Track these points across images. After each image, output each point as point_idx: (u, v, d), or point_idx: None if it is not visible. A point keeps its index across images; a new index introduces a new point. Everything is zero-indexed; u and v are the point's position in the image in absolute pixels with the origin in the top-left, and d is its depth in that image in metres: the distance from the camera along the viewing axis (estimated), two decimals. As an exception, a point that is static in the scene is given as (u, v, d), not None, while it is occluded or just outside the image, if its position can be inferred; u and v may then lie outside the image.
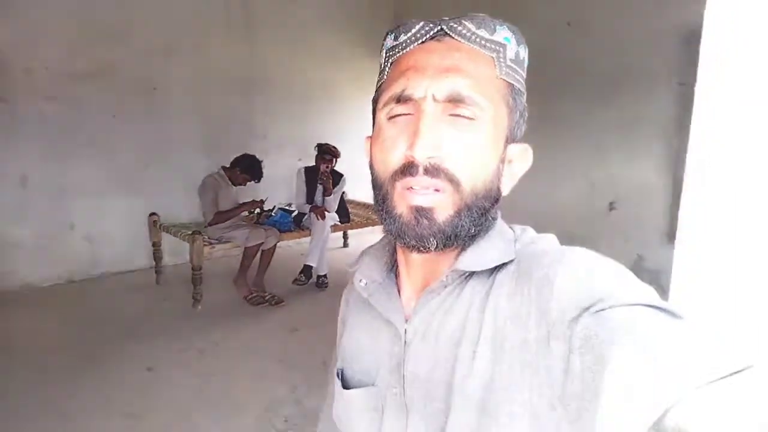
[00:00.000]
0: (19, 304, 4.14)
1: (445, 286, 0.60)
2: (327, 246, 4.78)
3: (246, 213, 4.48)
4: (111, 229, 4.79)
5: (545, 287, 0.51)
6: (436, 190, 0.54)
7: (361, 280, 0.67)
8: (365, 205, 5.82)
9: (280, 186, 5.64)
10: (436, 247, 0.56)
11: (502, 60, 0.57)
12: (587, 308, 0.47)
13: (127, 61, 4.66)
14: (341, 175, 4.96)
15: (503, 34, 0.57)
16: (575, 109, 4.37)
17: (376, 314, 0.67)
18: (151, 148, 4.90)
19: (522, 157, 0.62)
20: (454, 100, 0.54)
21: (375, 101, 0.62)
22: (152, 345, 3.42)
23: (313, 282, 4.74)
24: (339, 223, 5.07)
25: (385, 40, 0.62)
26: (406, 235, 0.56)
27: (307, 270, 4.68)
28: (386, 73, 0.60)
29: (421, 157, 0.53)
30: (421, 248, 0.57)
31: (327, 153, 4.74)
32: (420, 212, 0.55)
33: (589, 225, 4.30)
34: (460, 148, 0.54)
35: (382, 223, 0.60)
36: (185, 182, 4.98)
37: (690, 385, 0.36)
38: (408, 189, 0.55)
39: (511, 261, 0.58)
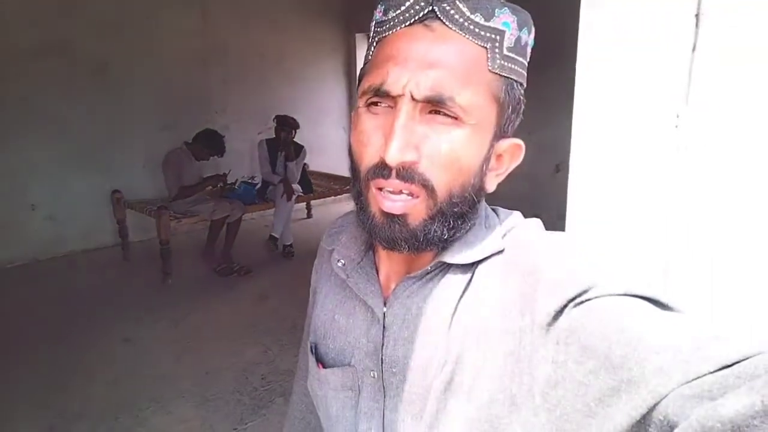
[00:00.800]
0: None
1: (427, 274, 0.59)
2: (291, 217, 4.94)
3: (210, 187, 4.57)
4: (74, 208, 4.80)
5: (530, 276, 0.51)
6: (409, 195, 0.52)
7: (339, 261, 0.66)
8: (327, 176, 5.98)
9: (241, 159, 5.71)
10: (408, 250, 0.55)
11: (497, 50, 0.52)
12: (573, 299, 0.46)
13: (79, 37, 4.59)
14: (302, 147, 5.09)
15: (502, 18, 0.51)
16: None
17: (351, 293, 0.66)
18: (110, 126, 4.88)
19: (512, 153, 0.58)
20: (433, 101, 0.50)
21: (359, 79, 0.58)
22: (126, 318, 3.55)
23: (279, 252, 4.91)
24: (302, 194, 5.22)
25: (375, 10, 0.57)
26: (377, 236, 0.55)
27: (273, 240, 4.84)
28: (371, 52, 0.56)
29: (393, 160, 0.49)
30: (392, 250, 0.56)
31: (286, 125, 4.85)
32: (391, 217, 0.53)
33: (537, 186, 4.58)
34: (438, 151, 0.51)
35: (356, 215, 0.59)
36: (147, 159, 5.02)
37: (677, 379, 0.36)
38: (379, 190, 0.53)
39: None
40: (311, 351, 0.70)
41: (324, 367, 0.67)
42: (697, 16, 0.82)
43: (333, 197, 5.83)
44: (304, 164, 5.23)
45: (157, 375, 2.87)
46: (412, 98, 0.50)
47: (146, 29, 4.99)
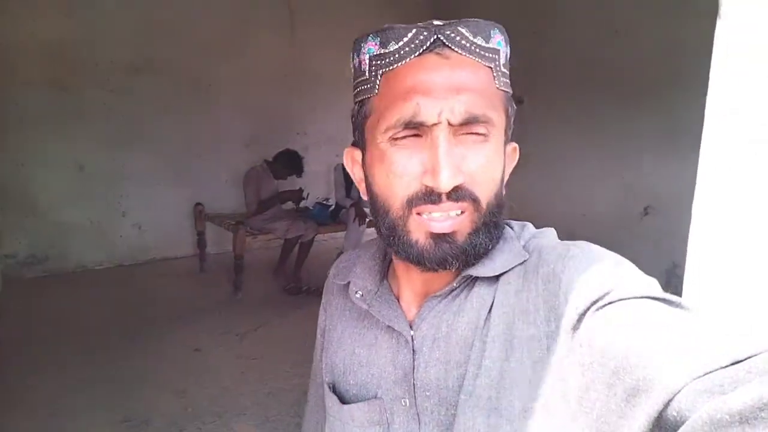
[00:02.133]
0: (74, 284, 4.43)
1: (453, 290, 0.59)
2: (362, 240, 4.94)
3: (290, 204, 4.66)
4: (159, 218, 5.07)
5: (552, 282, 0.53)
6: (458, 211, 0.54)
7: (357, 292, 0.65)
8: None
9: (318, 181, 5.82)
10: (457, 267, 0.56)
11: (498, 69, 0.55)
12: (595, 302, 0.48)
13: (180, 58, 4.91)
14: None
15: (496, 38, 0.55)
16: (615, 112, 4.38)
17: (371, 324, 0.66)
18: (199, 141, 5.15)
19: (511, 157, 0.62)
20: (468, 122, 0.52)
21: (363, 116, 0.59)
22: (198, 328, 3.63)
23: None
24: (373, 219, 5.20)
25: (363, 43, 0.57)
26: (425, 260, 0.55)
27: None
28: (377, 86, 0.56)
29: (447, 187, 0.52)
30: (440, 270, 0.56)
31: None
32: (440, 237, 0.54)
33: (622, 229, 4.32)
34: (477, 166, 0.54)
35: (392, 248, 0.58)
36: (229, 174, 5.23)
37: (689, 374, 0.37)
38: (424, 214, 0.54)
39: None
40: (331, 390, 0.68)
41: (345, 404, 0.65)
42: None
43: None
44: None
45: (222, 389, 2.89)
46: (449, 124, 0.52)
47: (240, 52, 5.25)
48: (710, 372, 0.36)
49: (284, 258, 4.60)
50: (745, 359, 0.36)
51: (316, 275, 4.76)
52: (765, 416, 0.30)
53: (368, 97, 0.57)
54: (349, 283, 0.67)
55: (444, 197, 0.53)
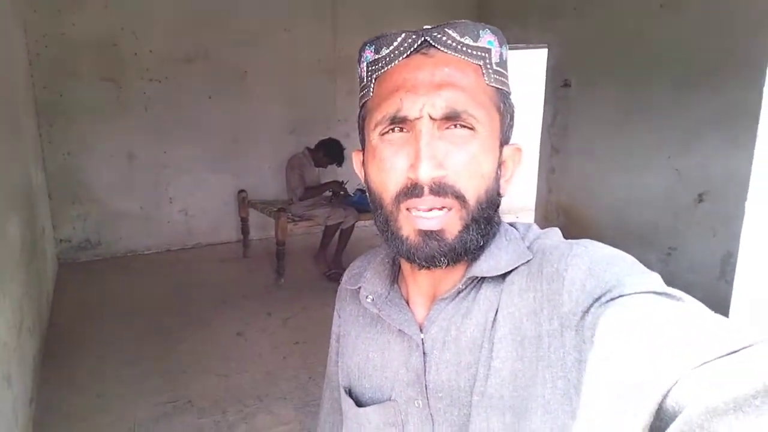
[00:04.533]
0: (124, 268, 4.60)
1: (459, 292, 0.60)
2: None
3: (329, 192, 4.68)
4: (204, 204, 5.17)
5: (556, 281, 0.53)
6: (442, 208, 0.55)
7: (367, 297, 0.66)
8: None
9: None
10: (447, 264, 0.57)
11: (489, 66, 0.56)
12: (598, 298, 0.48)
13: (221, 47, 4.96)
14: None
15: (487, 38, 0.56)
16: (665, 94, 4.16)
17: (383, 328, 0.67)
18: (241, 129, 5.21)
19: (515, 158, 0.62)
20: (450, 117, 0.54)
21: (362, 118, 0.62)
22: (241, 312, 3.71)
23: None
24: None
25: (363, 51, 0.60)
26: (415, 257, 0.56)
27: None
28: (371, 89, 0.59)
29: (426, 178, 0.53)
30: (431, 267, 0.57)
31: None
32: (428, 235, 0.55)
33: (675, 217, 4.13)
34: (462, 162, 0.54)
35: (387, 244, 0.60)
36: (271, 162, 5.28)
37: (686, 365, 0.37)
38: (412, 210, 0.55)
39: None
40: (347, 394, 0.69)
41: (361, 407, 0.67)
42: None
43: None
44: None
45: (264, 373, 2.93)
46: (431, 118, 0.54)
47: (282, 41, 5.26)
48: (706, 362, 0.36)
49: (325, 244, 4.62)
50: (741, 349, 0.36)
51: (357, 262, 4.77)
52: (759, 404, 0.30)
53: (366, 101, 0.60)
54: (360, 288, 0.68)
55: (426, 190, 0.53)
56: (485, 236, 0.58)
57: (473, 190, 0.55)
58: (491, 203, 0.57)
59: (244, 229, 4.97)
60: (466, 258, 0.58)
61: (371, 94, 0.59)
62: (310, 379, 2.88)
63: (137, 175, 4.82)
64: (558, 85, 4.96)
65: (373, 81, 0.59)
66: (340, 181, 4.66)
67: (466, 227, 0.56)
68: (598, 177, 4.74)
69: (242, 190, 4.96)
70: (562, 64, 4.93)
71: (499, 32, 0.58)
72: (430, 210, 0.54)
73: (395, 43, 0.56)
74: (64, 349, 3.10)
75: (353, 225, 4.57)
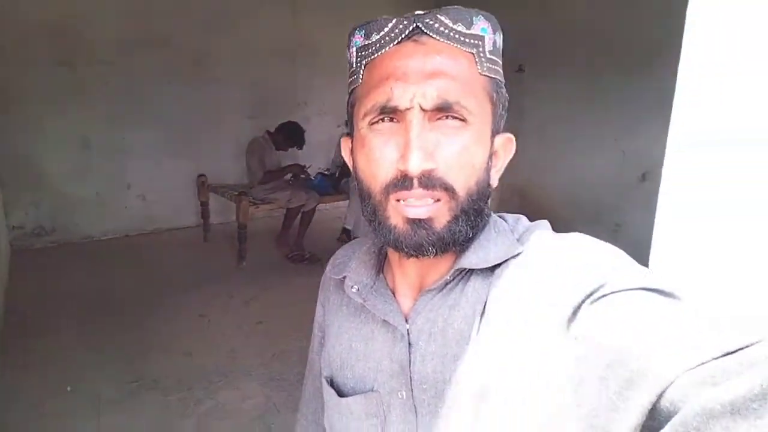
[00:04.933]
0: (81, 254, 4.53)
1: (447, 284, 0.59)
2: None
3: (290, 175, 4.72)
4: (163, 189, 5.13)
5: (546, 277, 0.52)
6: (431, 200, 0.54)
7: (352, 287, 0.65)
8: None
9: (319, 152, 5.85)
10: (435, 254, 0.56)
11: (482, 55, 0.55)
12: (589, 295, 0.48)
13: (180, 31, 4.89)
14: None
15: (480, 25, 0.55)
16: (613, 80, 4.38)
17: (367, 318, 0.66)
18: (200, 114, 5.17)
19: (506, 148, 0.62)
20: (442, 108, 0.53)
21: (351, 105, 0.61)
22: (203, 295, 3.73)
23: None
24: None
25: (352, 36, 0.59)
26: (402, 245, 0.56)
27: (346, 232, 4.93)
28: (361, 76, 0.58)
29: (415, 170, 0.52)
30: (419, 256, 0.56)
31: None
32: (417, 223, 0.54)
33: (620, 196, 4.37)
34: (452, 153, 0.53)
35: (374, 233, 0.59)
36: (231, 146, 5.28)
37: (682, 366, 0.37)
38: (398, 201, 0.55)
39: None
40: (329, 384, 0.69)
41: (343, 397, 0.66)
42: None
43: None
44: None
45: (228, 351, 2.99)
46: (421, 109, 0.52)
47: (240, 25, 5.22)
48: (702, 363, 0.36)
49: (287, 227, 4.67)
50: (737, 350, 0.36)
51: (318, 244, 4.85)
52: (756, 407, 0.30)
53: (354, 88, 0.59)
54: (344, 277, 0.68)
55: (416, 182, 0.53)
56: (474, 228, 0.57)
57: (464, 182, 0.54)
58: (481, 195, 0.57)
59: (205, 214, 4.96)
60: (454, 249, 0.57)
61: (360, 80, 0.58)
62: (274, 356, 2.95)
63: (93, 160, 4.74)
64: (513, 70, 5.12)
65: (363, 67, 0.58)
66: (302, 164, 4.70)
67: (455, 218, 0.55)
68: (551, 159, 4.96)
69: (202, 175, 4.93)
70: (516, 50, 5.09)
71: (493, 18, 0.57)
72: (421, 199, 0.54)
73: (386, 29, 0.55)
74: (24, 336, 3.07)
75: (314, 208, 4.63)
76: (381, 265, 0.68)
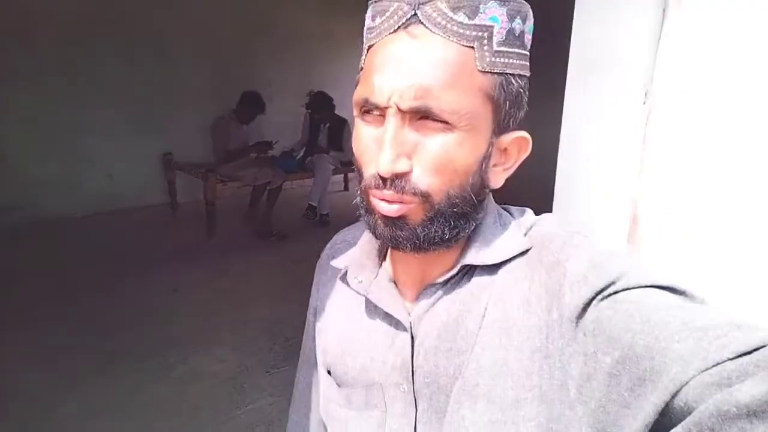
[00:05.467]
0: (48, 233, 4.56)
1: (451, 278, 0.58)
2: (328, 188, 5.17)
3: (255, 154, 4.83)
4: (129, 167, 5.18)
5: (556, 271, 0.51)
6: (402, 203, 0.52)
7: (356, 278, 0.64)
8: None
9: (284, 131, 5.94)
10: (411, 249, 0.55)
11: (485, 48, 0.49)
12: (600, 291, 0.47)
13: (139, 9, 4.89)
14: (345, 121, 5.27)
15: (489, 13, 0.49)
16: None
17: (369, 309, 0.64)
18: (164, 92, 5.22)
19: (518, 146, 0.57)
20: (420, 111, 0.49)
21: (356, 85, 0.57)
22: (172, 270, 3.86)
23: (317, 220, 5.16)
24: (340, 166, 5.41)
25: (367, 13, 0.56)
26: (381, 237, 0.55)
27: (311, 208, 5.08)
28: (363, 59, 0.55)
29: (386, 172, 0.50)
30: (398, 250, 0.56)
31: (315, 104, 5.07)
32: (390, 220, 0.53)
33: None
34: (431, 156, 0.50)
35: (363, 217, 0.58)
36: (197, 124, 5.33)
37: (697, 366, 0.37)
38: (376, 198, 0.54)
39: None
40: (328, 373, 0.68)
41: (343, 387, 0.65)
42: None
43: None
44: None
45: (200, 320, 3.15)
46: (399, 109, 0.49)
47: (202, 3, 5.25)
48: (718, 363, 0.36)
49: (254, 204, 4.81)
50: (753, 351, 0.36)
51: (285, 220, 5.00)
52: None
53: (361, 68, 0.56)
54: (346, 268, 0.66)
55: (387, 183, 0.51)
56: (455, 229, 0.54)
57: (441, 186, 0.51)
58: (466, 199, 0.53)
59: (172, 192, 5.04)
60: (432, 248, 0.55)
61: (362, 64, 0.55)
62: (245, 323, 3.12)
63: (55, 138, 4.73)
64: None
65: (366, 51, 0.55)
66: (268, 141, 4.81)
67: (430, 219, 0.53)
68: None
69: (168, 153, 5.00)
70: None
71: (512, 2, 0.51)
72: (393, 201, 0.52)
73: (387, 14, 0.51)
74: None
75: (280, 185, 4.77)
76: (384, 254, 0.66)
